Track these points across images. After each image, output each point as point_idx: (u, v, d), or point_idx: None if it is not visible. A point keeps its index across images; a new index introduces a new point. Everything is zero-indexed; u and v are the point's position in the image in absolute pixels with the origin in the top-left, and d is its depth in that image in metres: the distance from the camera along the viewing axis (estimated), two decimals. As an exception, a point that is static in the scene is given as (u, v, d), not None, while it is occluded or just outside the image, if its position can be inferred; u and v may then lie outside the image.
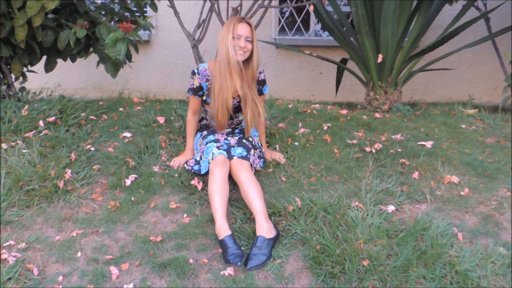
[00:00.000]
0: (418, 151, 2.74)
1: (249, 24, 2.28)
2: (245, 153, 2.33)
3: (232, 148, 2.34)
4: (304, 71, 5.28)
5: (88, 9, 3.14)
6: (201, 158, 2.41)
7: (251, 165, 2.34)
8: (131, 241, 2.08)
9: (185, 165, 2.48)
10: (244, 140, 2.42)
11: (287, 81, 5.27)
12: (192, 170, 2.44)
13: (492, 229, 2.19)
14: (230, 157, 2.29)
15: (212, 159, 2.26)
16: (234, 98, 2.40)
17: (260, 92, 2.49)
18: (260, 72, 2.44)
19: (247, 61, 2.32)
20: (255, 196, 2.14)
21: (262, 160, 2.51)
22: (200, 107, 2.51)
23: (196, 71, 2.40)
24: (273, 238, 2.06)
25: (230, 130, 2.54)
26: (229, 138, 2.43)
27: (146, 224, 2.18)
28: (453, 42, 4.09)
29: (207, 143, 2.39)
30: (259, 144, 2.55)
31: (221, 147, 2.31)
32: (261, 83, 2.47)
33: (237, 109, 2.45)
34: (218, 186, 2.16)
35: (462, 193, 2.42)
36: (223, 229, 2.04)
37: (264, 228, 2.05)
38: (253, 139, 2.49)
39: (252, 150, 2.41)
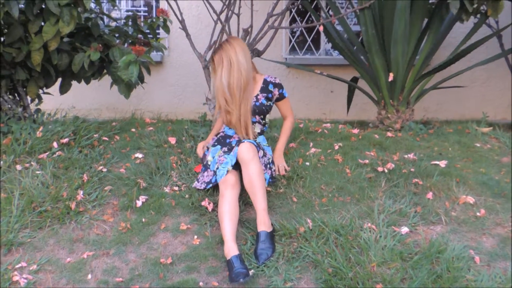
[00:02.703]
0: (432, 170, 2.69)
1: (215, 57, 2.50)
2: (255, 143, 2.39)
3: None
4: (315, 90, 5.28)
5: (102, 33, 3.21)
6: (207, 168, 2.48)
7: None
8: (141, 263, 2.08)
9: (196, 182, 2.50)
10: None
11: (298, 100, 5.28)
12: (203, 188, 2.46)
13: (510, 252, 2.13)
14: (238, 143, 2.37)
15: (221, 177, 2.27)
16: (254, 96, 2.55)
17: (282, 96, 2.65)
18: (275, 78, 2.65)
19: None
20: (259, 190, 2.22)
21: (269, 173, 2.47)
22: None
23: None
24: (272, 231, 2.20)
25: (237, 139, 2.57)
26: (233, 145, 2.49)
27: (156, 246, 2.17)
28: (465, 60, 4.05)
29: (213, 156, 2.48)
30: (270, 159, 2.54)
31: (228, 156, 2.38)
32: (278, 86, 2.62)
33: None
34: (228, 208, 2.17)
35: (478, 214, 2.36)
36: (231, 250, 2.06)
37: (266, 223, 2.17)
38: (265, 153, 2.49)
39: (261, 151, 2.44)
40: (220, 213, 2.18)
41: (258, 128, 2.60)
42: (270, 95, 2.60)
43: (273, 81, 2.61)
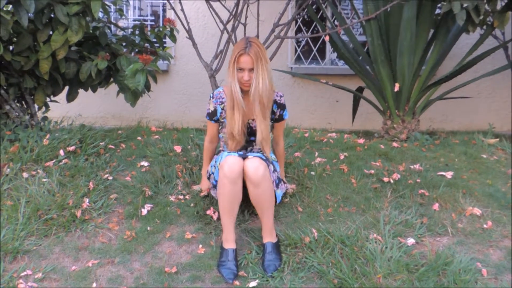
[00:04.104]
0: (438, 181, 2.68)
1: (252, 55, 2.16)
2: (263, 157, 2.19)
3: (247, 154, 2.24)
4: (320, 99, 5.29)
5: (109, 42, 3.24)
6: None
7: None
8: (146, 272, 2.07)
9: (211, 192, 2.43)
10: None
11: (303, 109, 5.29)
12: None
13: (517, 265, 2.11)
14: (244, 157, 2.15)
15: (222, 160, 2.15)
16: (253, 120, 2.32)
17: (281, 118, 2.41)
18: (281, 96, 2.39)
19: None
20: (268, 209, 2.17)
21: (280, 186, 2.32)
22: (217, 133, 2.44)
23: (211, 95, 2.39)
24: (278, 242, 2.20)
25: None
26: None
27: (161, 254, 2.17)
28: (471, 71, 4.05)
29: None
30: (279, 172, 2.41)
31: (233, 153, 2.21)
32: (281, 107, 2.40)
33: (251, 133, 2.35)
34: (227, 199, 2.11)
35: (485, 226, 2.34)
36: (229, 240, 2.14)
37: (272, 234, 2.19)
38: (275, 168, 2.34)
39: (271, 166, 2.25)
40: (220, 206, 2.14)
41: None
42: (272, 116, 2.39)
43: (278, 101, 2.37)
